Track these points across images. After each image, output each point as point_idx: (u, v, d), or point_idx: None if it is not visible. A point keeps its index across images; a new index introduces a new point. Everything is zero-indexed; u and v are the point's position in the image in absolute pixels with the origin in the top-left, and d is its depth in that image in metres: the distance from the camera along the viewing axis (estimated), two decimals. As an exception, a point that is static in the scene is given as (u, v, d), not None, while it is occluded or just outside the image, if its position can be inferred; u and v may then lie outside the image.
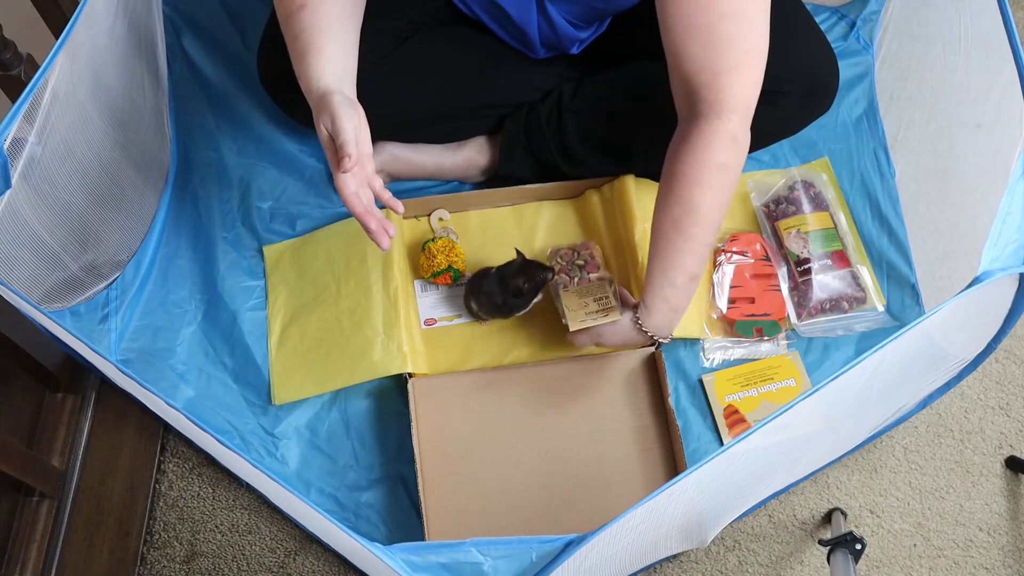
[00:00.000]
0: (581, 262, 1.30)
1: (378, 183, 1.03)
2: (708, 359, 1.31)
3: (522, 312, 1.26)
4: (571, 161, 1.35)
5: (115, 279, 1.29)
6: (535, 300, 1.25)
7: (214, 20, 1.48)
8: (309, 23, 1.04)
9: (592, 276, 1.28)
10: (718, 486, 0.92)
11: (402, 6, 1.26)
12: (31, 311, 0.94)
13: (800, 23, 1.24)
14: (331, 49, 1.04)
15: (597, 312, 1.19)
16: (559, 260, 1.31)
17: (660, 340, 1.17)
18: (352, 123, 0.97)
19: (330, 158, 1.00)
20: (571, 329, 1.19)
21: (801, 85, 1.21)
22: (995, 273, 0.79)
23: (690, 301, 1.15)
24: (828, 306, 1.32)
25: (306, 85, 1.03)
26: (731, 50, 1.00)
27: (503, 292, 1.24)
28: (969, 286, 0.79)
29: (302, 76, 1.03)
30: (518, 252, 1.26)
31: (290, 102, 1.29)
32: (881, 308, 1.33)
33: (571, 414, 1.24)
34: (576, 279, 1.28)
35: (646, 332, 1.15)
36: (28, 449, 1.12)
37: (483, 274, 1.27)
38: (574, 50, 1.28)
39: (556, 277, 1.28)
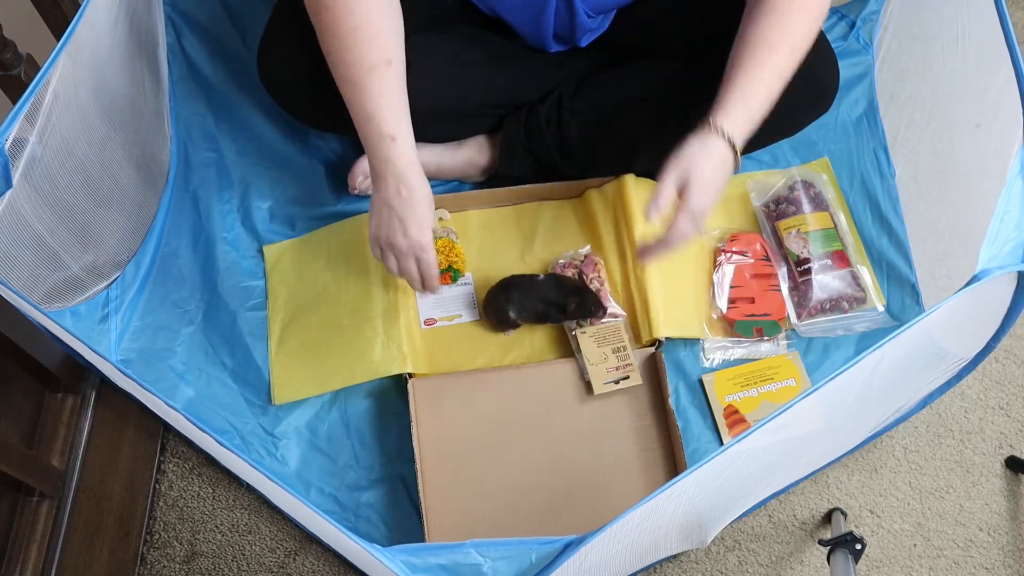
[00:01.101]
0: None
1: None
2: (708, 359, 1.31)
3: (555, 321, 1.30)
4: (571, 160, 1.35)
5: (115, 279, 1.29)
6: (572, 322, 1.28)
7: (214, 20, 1.48)
8: (396, 84, 1.06)
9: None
10: (718, 486, 0.92)
11: (404, 5, 1.26)
12: (31, 311, 0.94)
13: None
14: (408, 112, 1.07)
15: (617, 370, 1.24)
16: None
17: (735, 147, 1.03)
18: None
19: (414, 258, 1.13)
20: (595, 393, 1.23)
21: (801, 84, 1.21)
22: (993, 271, 0.79)
23: (761, 119, 1.05)
24: (828, 306, 1.32)
25: (406, 151, 1.06)
26: None
27: (546, 302, 1.25)
28: (967, 284, 0.79)
29: (399, 138, 1.05)
30: (580, 275, 1.31)
31: (290, 101, 1.29)
32: (881, 308, 1.33)
33: (571, 414, 1.24)
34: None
35: (724, 134, 1.01)
36: (28, 449, 1.12)
37: (519, 282, 1.27)
38: (583, 42, 1.27)
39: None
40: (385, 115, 1.05)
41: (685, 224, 1.03)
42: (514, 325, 1.29)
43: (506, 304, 1.26)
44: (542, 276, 1.28)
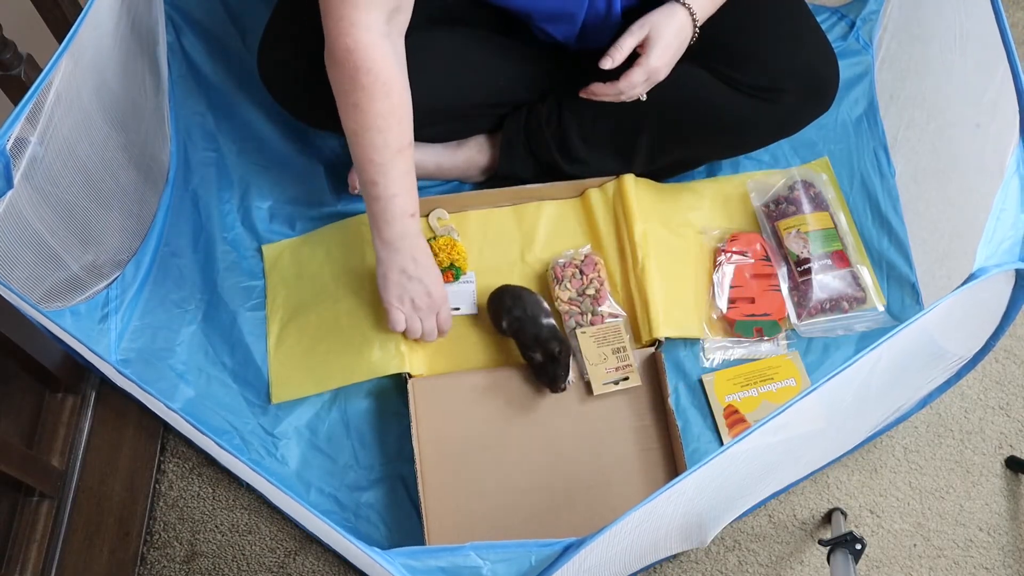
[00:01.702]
0: (592, 291, 1.30)
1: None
2: (708, 359, 1.31)
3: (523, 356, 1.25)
4: (571, 160, 1.35)
5: (115, 279, 1.29)
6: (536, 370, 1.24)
7: (214, 20, 1.48)
8: (412, 164, 1.12)
9: (604, 311, 1.28)
10: (718, 486, 0.92)
11: None
12: (31, 311, 0.94)
13: (803, 23, 1.24)
14: None
15: (616, 370, 1.24)
16: (567, 287, 1.30)
17: (695, 20, 1.13)
18: None
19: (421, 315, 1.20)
20: (595, 394, 1.23)
21: (801, 83, 1.22)
22: (990, 269, 0.79)
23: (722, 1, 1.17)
24: (828, 306, 1.32)
25: (419, 225, 1.15)
26: None
27: (522, 340, 1.22)
28: (964, 283, 0.79)
29: (416, 215, 1.14)
30: (565, 347, 1.22)
31: (290, 100, 1.29)
32: (881, 308, 1.33)
33: (571, 414, 1.24)
34: (588, 316, 1.28)
35: (687, 6, 1.12)
36: (28, 449, 1.12)
37: (527, 305, 1.23)
38: (603, 40, 1.26)
39: (568, 309, 1.29)
40: (408, 195, 1.12)
41: (639, 76, 1.14)
42: (504, 333, 1.28)
43: (505, 312, 1.24)
44: (548, 320, 1.22)
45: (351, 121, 1.08)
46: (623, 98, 1.18)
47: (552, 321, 1.23)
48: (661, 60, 1.13)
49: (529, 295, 1.25)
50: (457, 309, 1.32)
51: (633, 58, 1.15)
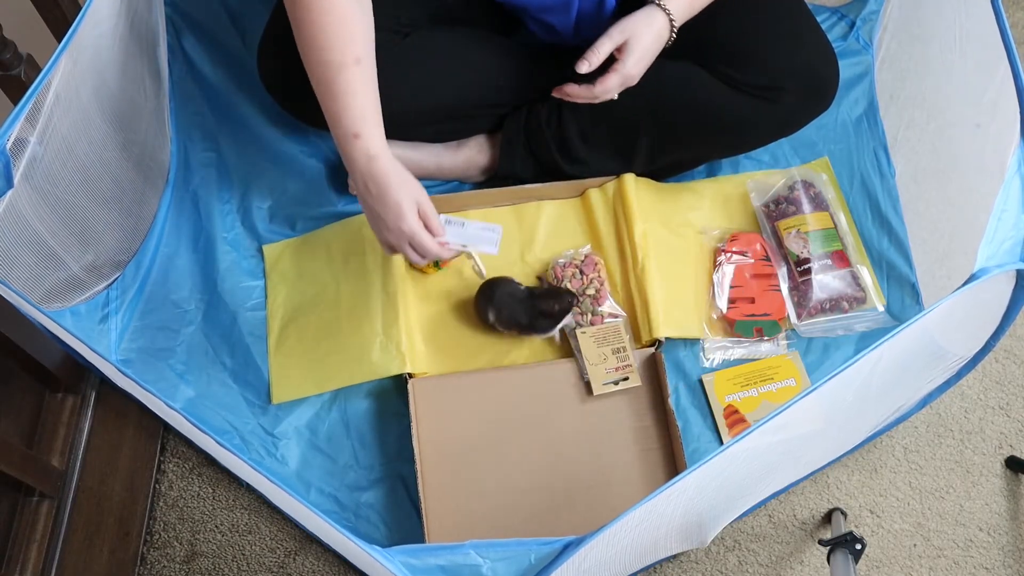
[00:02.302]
0: (592, 291, 1.30)
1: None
2: (708, 359, 1.31)
3: (544, 335, 1.27)
4: (571, 160, 1.35)
5: (115, 279, 1.29)
6: (560, 325, 1.26)
7: (214, 20, 1.48)
8: (363, 82, 1.05)
9: (604, 311, 1.29)
10: (718, 486, 0.92)
11: (406, 4, 1.26)
12: (31, 311, 0.94)
13: (803, 22, 1.24)
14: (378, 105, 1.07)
15: (616, 371, 1.24)
16: (568, 286, 1.30)
17: (673, 25, 1.13)
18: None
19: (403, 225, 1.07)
20: (595, 394, 1.23)
21: (801, 83, 1.22)
22: (991, 270, 0.79)
23: (702, 7, 1.16)
24: (828, 306, 1.32)
25: (369, 148, 1.04)
26: None
27: (530, 313, 1.24)
28: (965, 283, 0.79)
29: (363, 135, 1.04)
30: (541, 279, 1.32)
31: (290, 100, 1.29)
32: (881, 308, 1.33)
33: (571, 414, 1.24)
34: (588, 316, 1.28)
35: (667, 11, 1.12)
36: (28, 449, 1.12)
37: (503, 286, 1.26)
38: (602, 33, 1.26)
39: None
40: (350, 114, 1.04)
41: (614, 81, 1.14)
42: (494, 328, 1.28)
43: (487, 302, 1.25)
44: (523, 287, 1.27)
45: (297, 37, 1.05)
46: (596, 101, 1.18)
47: (524, 286, 1.27)
48: (637, 68, 1.14)
49: (500, 279, 1.27)
50: (464, 247, 1.22)
51: (609, 60, 1.15)
